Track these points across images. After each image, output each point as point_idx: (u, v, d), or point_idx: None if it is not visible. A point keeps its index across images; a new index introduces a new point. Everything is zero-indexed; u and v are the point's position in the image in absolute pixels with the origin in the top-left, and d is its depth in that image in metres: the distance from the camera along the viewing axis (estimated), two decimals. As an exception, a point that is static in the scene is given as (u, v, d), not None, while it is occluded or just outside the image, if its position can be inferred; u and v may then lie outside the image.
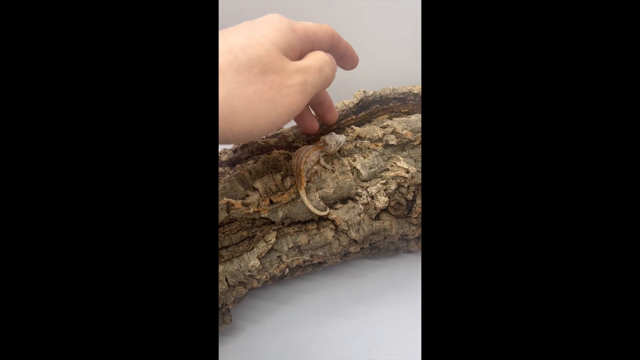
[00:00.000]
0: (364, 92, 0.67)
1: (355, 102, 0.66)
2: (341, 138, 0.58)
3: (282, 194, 0.55)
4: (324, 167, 0.58)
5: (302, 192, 0.55)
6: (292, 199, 0.56)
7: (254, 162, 0.58)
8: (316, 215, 0.57)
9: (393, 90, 0.69)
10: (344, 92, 0.70)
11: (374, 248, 0.64)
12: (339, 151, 0.60)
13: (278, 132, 0.65)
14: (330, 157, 0.59)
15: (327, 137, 0.58)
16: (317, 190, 0.57)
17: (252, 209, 0.54)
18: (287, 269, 0.56)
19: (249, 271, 0.53)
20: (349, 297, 0.63)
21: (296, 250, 0.56)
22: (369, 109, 0.68)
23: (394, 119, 0.65)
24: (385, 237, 0.61)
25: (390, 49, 0.81)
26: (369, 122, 0.67)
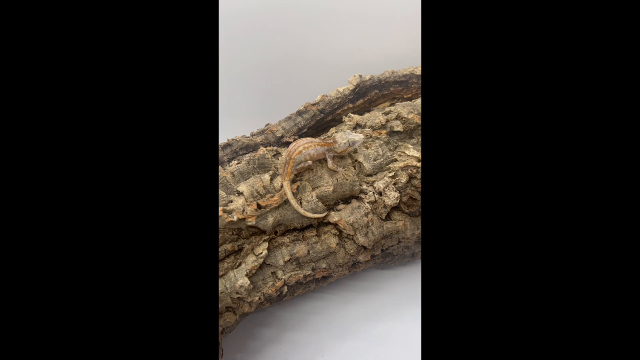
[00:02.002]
0: (360, 76, 0.62)
1: (351, 89, 0.61)
2: (356, 137, 0.49)
3: (272, 196, 0.48)
4: (334, 171, 0.50)
5: (286, 184, 0.48)
6: (285, 201, 0.48)
7: (237, 163, 0.51)
8: (312, 219, 0.49)
9: (393, 73, 0.63)
10: (339, 81, 0.63)
11: (387, 255, 0.58)
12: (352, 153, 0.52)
13: (265, 127, 0.57)
14: (339, 159, 0.51)
15: (338, 135, 0.50)
16: (313, 189, 0.50)
17: (236, 216, 0.47)
18: (285, 287, 0.50)
19: (237, 292, 0.47)
20: (362, 315, 0.57)
21: (294, 263, 0.50)
22: (367, 95, 0.62)
23: (397, 104, 0.58)
24: (400, 241, 0.55)
25: (388, 29, 0.75)
26: (369, 111, 0.61)
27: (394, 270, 0.62)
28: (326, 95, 0.61)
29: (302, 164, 0.49)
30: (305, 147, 0.48)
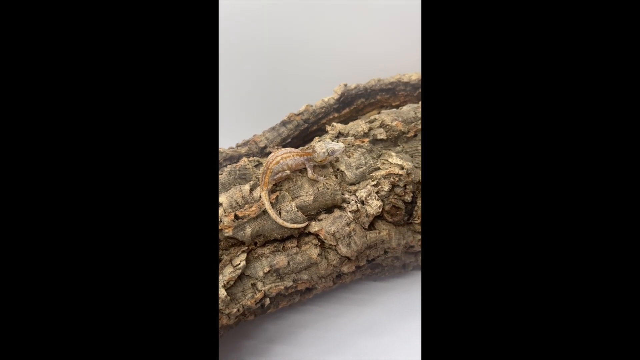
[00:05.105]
0: (345, 85, 0.61)
1: (335, 98, 0.61)
2: (336, 146, 0.49)
3: (250, 207, 0.47)
4: (314, 180, 0.49)
5: (264, 194, 0.47)
6: (263, 211, 0.48)
7: (219, 174, 0.51)
8: (291, 229, 0.48)
9: (379, 81, 0.62)
10: (324, 90, 0.63)
11: (375, 266, 0.56)
12: (333, 162, 0.51)
13: (248, 138, 0.58)
14: (320, 169, 0.51)
15: (318, 144, 0.49)
16: (293, 199, 0.49)
17: (212, 228, 0.45)
18: (267, 299, 0.49)
19: (214, 304, 0.44)
20: (354, 328, 0.56)
21: (274, 274, 0.49)
22: (353, 104, 0.61)
23: (383, 111, 0.57)
24: (386, 251, 0.54)
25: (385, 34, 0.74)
26: (355, 120, 0.60)
27: (387, 282, 0.60)
28: (311, 105, 0.60)
29: (280, 174, 0.48)
30: (283, 158, 0.48)
